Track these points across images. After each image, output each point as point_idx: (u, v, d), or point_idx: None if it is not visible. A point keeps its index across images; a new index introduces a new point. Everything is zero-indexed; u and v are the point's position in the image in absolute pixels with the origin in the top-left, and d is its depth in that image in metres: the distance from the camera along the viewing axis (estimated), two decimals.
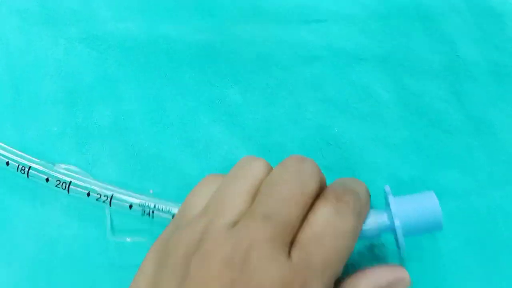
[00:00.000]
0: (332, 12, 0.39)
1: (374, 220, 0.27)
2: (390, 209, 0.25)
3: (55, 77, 0.36)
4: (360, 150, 0.34)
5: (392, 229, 0.27)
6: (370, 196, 0.28)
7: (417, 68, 0.36)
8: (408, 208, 0.27)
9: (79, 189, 0.31)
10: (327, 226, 0.24)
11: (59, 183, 0.31)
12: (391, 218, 0.27)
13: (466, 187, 0.33)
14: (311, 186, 0.25)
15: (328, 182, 0.30)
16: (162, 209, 0.31)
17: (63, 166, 0.31)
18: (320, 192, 0.26)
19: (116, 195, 0.31)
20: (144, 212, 0.31)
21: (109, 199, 0.31)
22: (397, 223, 0.26)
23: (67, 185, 0.31)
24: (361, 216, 0.26)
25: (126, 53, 0.37)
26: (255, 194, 0.26)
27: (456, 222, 0.32)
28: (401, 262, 0.27)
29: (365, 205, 0.27)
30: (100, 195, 0.31)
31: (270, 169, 0.27)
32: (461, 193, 0.33)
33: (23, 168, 0.31)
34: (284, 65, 0.37)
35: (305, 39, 0.38)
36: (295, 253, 0.24)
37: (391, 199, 0.27)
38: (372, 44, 0.38)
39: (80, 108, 0.36)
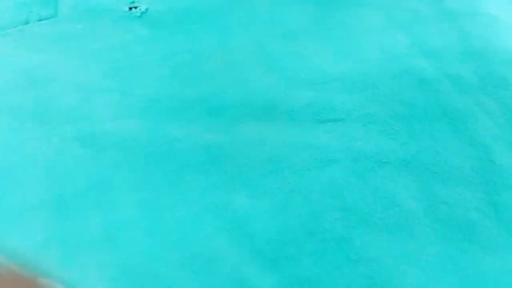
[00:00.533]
0: (349, 111, 0.39)
1: None
2: None
3: (44, 180, 0.35)
4: (387, 268, 0.32)
5: None
6: None
7: (447, 173, 0.35)
8: None
9: None
10: None
11: None
12: None
13: None
14: None
15: None
16: None
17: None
18: None
19: None
20: None
21: None
22: None
23: None
24: None
25: (125, 154, 0.36)
26: None
27: None
28: None
29: None
30: None
31: None
32: None
33: None
34: (298, 168, 0.36)
35: (321, 139, 0.38)
36: None
37: None
38: (394, 146, 0.37)
39: (69, 215, 0.34)
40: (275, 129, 0.44)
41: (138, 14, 0.55)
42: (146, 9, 0.59)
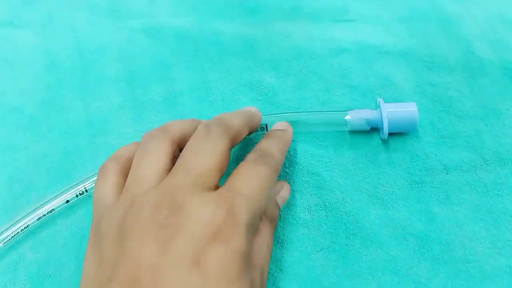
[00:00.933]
0: (361, 14, 0.53)
1: (366, 114, 0.42)
2: (380, 110, 0.40)
3: (118, 61, 0.50)
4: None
5: (379, 121, 0.41)
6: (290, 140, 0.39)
7: (435, 62, 0.49)
8: (393, 107, 0.42)
9: None
10: (252, 171, 0.31)
11: None
12: (380, 114, 0.41)
13: (474, 164, 0.43)
14: (220, 144, 0.31)
15: (349, 159, 0.43)
16: None
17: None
18: (234, 144, 0.33)
19: None
20: None
21: None
22: (384, 110, 0.41)
23: None
24: (277, 171, 0.34)
25: (179, 42, 0.51)
26: (168, 159, 0.31)
27: (464, 192, 0.42)
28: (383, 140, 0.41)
29: (280, 161, 0.36)
30: None
31: (169, 134, 0.33)
32: (470, 169, 0.43)
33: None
34: (315, 55, 0.50)
35: (335, 35, 0.51)
36: (223, 189, 0.28)
37: (381, 101, 0.40)
38: (395, 41, 0.50)
39: (138, 86, 0.49)
40: (299, 26, 0.52)
41: None
42: None
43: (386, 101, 0.44)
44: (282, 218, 0.39)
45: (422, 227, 0.39)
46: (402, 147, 0.42)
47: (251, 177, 0.31)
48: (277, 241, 0.38)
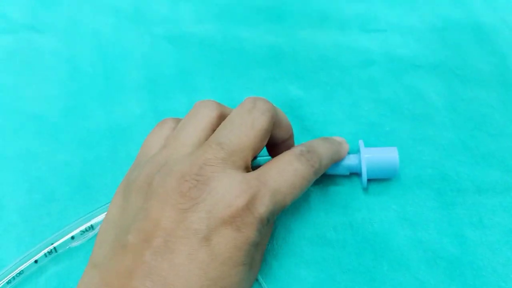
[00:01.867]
0: (391, 23, 0.51)
1: (347, 160, 0.40)
2: (359, 155, 0.38)
3: (140, 68, 0.49)
4: (407, 148, 0.44)
5: (358, 167, 0.39)
6: (345, 151, 0.39)
7: (468, 76, 0.46)
8: (373, 152, 0.39)
9: None
10: (289, 166, 0.30)
11: None
12: (359, 159, 0.38)
13: (508, 185, 0.41)
14: (261, 121, 0.31)
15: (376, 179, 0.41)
16: None
17: None
18: (272, 127, 0.32)
19: None
20: None
21: None
22: (363, 156, 0.38)
23: None
24: (317, 174, 0.33)
25: (203, 51, 0.49)
26: (211, 130, 0.31)
27: (497, 215, 0.40)
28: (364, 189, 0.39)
29: (325, 166, 0.34)
30: None
31: (221, 108, 0.32)
32: (503, 191, 0.41)
33: None
34: (343, 67, 0.48)
35: (364, 45, 0.49)
36: (254, 173, 0.29)
37: (361, 145, 0.38)
38: (427, 52, 0.48)
39: (160, 95, 0.48)
40: (326, 35, 0.50)
41: None
42: None
43: (414, 118, 0.42)
44: (306, 237, 0.38)
45: (453, 251, 0.37)
46: (432, 165, 0.40)
47: (286, 172, 0.31)
48: (301, 260, 0.36)
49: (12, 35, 0.49)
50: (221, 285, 0.26)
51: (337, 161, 0.38)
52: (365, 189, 0.41)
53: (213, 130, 0.32)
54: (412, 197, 0.42)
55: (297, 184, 0.31)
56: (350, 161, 0.41)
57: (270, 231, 0.34)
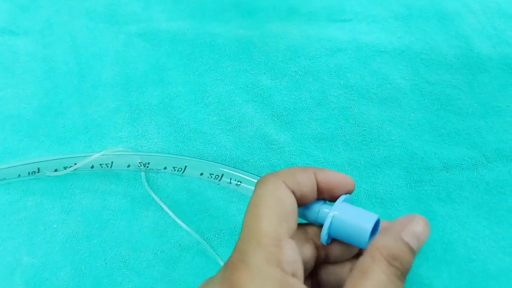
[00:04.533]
0: (357, 13, 0.52)
1: (317, 208, 0.31)
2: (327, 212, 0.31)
3: (114, 65, 0.50)
4: (378, 129, 0.45)
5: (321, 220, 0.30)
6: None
7: (433, 60, 0.48)
8: (348, 212, 0.30)
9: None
10: None
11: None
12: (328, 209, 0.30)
13: (475, 161, 0.42)
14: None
15: (346, 160, 0.41)
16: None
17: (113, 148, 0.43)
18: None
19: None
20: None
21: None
22: (330, 214, 0.30)
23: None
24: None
25: (175, 46, 0.51)
26: None
27: (466, 190, 0.41)
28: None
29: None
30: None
31: None
32: (470, 166, 0.42)
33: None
34: (311, 56, 0.49)
35: (331, 34, 0.51)
36: None
37: (339, 200, 0.31)
38: (392, 39, 0.49)
39: (134, 90, 0.49)
40: (295, 27, 0.52)
41: None
42: None
43: (381, 101, 0.42)
44: None
45: None
46: (400, 145, 0.41)
47: None
48: None
49: None
50: None
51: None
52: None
53: None
54: (382, 176, 0.42)
55: None
56: (320, 212, 0.32)
57: None
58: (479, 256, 0.38)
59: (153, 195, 0.41)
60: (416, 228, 0.29)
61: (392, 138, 0.41)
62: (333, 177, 0.31)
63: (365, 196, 0.40)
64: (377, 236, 0.29)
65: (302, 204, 0.31)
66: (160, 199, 0.41)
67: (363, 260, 0.28)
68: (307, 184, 0.30)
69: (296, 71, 0.46)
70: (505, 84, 0.43)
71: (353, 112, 0.43)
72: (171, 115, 0.45)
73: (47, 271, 0.39)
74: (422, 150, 0.40)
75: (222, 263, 0.36)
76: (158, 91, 0.46)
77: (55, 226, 0.41)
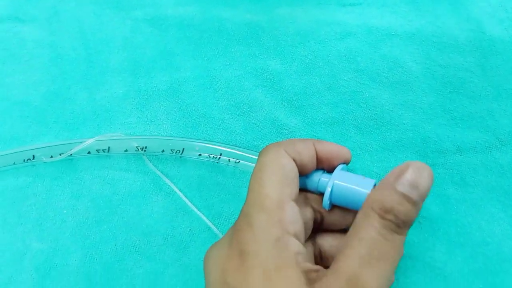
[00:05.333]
0: None
1: (318, 177, 0.34)
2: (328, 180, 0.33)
3: (122, 51, 0.50)
4: (389, 113, 0.45)
5: (325, 188, 0.32)
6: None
7: (444, 43, 0.47)
8: (347, 179, 0.32)
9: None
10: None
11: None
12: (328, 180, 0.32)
13: (489, 144, 0.41)
14: None
15: (357, 144, 0.46)
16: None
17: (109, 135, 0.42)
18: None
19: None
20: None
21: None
22: (331, 181, 0.31)
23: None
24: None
25: (183, 31, 0.50)
26: None
27: (480, 173, 0.40)
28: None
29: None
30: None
31: None
32: (484, 149, 0.41)
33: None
34: (321, 40, 0.48)
35: (341, 18, 0.50)
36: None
37: (337, 169, 0.33)
38: (403, 22, 0.49)
39: (142, 75, 0.48)
40: (304, 11, 0.51)
41: None
42: None
43: (393, 85, 0.42)
44: None
45: (436, 210, 0.37)
46: (412, 129, 0.40)
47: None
48: None
49: None
50: None
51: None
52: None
53: None
54: (394, 160, 0.42)
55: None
56: (320, 181, 0.34)
57: None
58: (494, 239, 0.37)
59: (163, 177, 0.40)
60: (410, 176, 0.28)
61: (404, 121, 0.41)
62: (331, 148, 0.33)
63: (377, 180, 0.39)
64: (371, 192, 0.30)
65: (303, 173, 0.32)
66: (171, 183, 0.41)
67: (356, 218, 0.29)
68: (306, 153, 0.32)
69: (305, 55, 0.45)
70: None
71: (364, 96, 0.42)
72: (180, 100, 0.44)
73: (57, 256, 0.39)
74: (435, 133, 0.39)
75: None
76: (167, 76, 0.45)
77: (65, 211, 0.40)
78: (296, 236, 0.28)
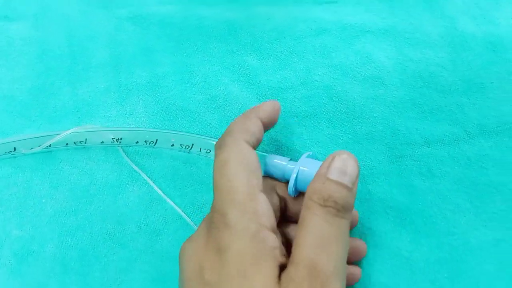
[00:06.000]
0: None
1: (283, 165, 0.35)
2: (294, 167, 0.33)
3: (105, 48, 0.51)
4: (361, 107, 0.46)
5: (290, 174, 0.33)
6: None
7: (417, 39, 0.48)
8: (311, 166, 0.33)
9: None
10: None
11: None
12: (291, 169, 0.33)
13: (456, 137, 0.42)
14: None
15: (329, 136, 0.47)
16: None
17: (88, 126, 0.44)
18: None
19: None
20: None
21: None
22: (296, 168, 0.33)
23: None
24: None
25: (164, 29, 0.51)
26: None
27: (447, 165, 0.41)
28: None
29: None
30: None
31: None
32: (452, 142, 0.42)
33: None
34: (296, 36, 0.50)
35: (317, 15, 0.51)
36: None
37: (303, 156, 0.34)
38: (376, 20, 0.50)
39: (123, 71, 0.50)
40: (281, 9, 0.52)
41: None
42: None
43: (365, 79, 0.43)
44: None
45: (403, 200, 0.38)
46: (382, 122, 0.41)
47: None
48: None
49: None
50: None
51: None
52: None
53: None
54: (364, 152, 0.43)
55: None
56: (286, 168, 0.35)
57: None
58: (459, 229, 0.38)
59: (137, 169, 0.41)
60: (337, 164, 0.30)
61: (374, 115, 0.42)
62: (267, 110, 0.34)
63: None
64: (308, 185, 0.30)
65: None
66: (146, 174, 0.42)
67: (301, 212, 0.30)
68: (258, 130, 0.33)
69: (281, 51, 0.46)
70: (489, 61, 0.43)
71: (336, 91, 0.44)
72: (158, 94, 0.46)
73: (35, 243, 0.40)
74: (404, 126, 0.40)
75: None
76: (147, 71, 0.47)
77: (43, 201, 0.41)
78: (271, 229, 0.29)
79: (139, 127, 0.42)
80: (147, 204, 0.40)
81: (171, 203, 0.39)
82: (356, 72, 0.44)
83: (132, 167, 0.42)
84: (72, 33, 0.51)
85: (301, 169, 0.34)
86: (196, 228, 0.37)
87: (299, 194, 0.32)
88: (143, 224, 0.39)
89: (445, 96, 0.42)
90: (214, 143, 0.35)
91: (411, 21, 0.47)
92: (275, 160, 0.36)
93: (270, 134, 0.43)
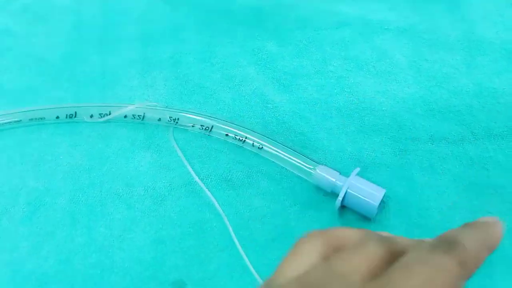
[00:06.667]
0: None
1: (333, 182, 0.39)
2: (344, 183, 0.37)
3: (136, 23, 0.54)
4: (370, 99, 0.47)
5: (339, 190, 0.37)
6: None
7: (435, 40, 0.49)
8: (359, 185, 0.37)
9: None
10: (424, 266, 0.22)
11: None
12: (343, 182, 0.37)
13: (462, 136, 0.43)
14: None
15: (336, 124, 0.49)
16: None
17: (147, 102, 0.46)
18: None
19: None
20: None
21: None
22: (346, 183, 0.37)
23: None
24: (466, 270, 0.22)
25: (193, 8, 0.54)
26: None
27: (449, 162, 0.42)
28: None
29: (475, 261, 0.23)
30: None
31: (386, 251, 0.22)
32: (457, 141, 0.43)
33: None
34: (317, 27, 0.52)
35: (340, 9, 0.53)
36: None
37: (353, 173, 0.37)
38: (398, 18, 0.51)
39: (150, 45, 0.53)
40: (307, 0, 0.54)
41: None
42: None
43: (378, 74, 0.44)
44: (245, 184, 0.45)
45: (402, 192, 0.39)
46: (390, 115, 0.43)
47: (422, 275, 0.21)
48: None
49: None
50: None
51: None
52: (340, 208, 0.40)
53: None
54: (369, 142, 0.44)
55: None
56: (335, 182, 0.41)
57: None
58: (453, 225, 0.39)
59: (180, 154, 0.43)
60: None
61: (383, 108, 0.43)
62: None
63: (348, 158, 0.42)
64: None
65: None
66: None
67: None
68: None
69: (301, 40, 0.48)
70: (504, 68, 0.44)
71: (349, 82, 0.45)
72: (179, 70, 0.48)
73: (48, 196, 0.43)
74: (411, 122, 0.41)
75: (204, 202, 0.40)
76: (171, 48, 0.49)
77: (61, 157, 0.44)
78: None
79: (196, 112, 0.44)
80: (156, 171, 0.42)
81: (189, 168, 0.41)
82: (370, 67, 0.46)
83: (145, 136, 0.44)
84: (107, 6, 0.54)
85: (349, 191, 0.39)
86: (208, 193, 0.40)
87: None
88: (150, 188, 0.41)
89: (455, 97, 0.43)
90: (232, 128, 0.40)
91: (431, 22, 0.48)
92: (326, 176, 0.41)
93: (279, 116, 0.45)
